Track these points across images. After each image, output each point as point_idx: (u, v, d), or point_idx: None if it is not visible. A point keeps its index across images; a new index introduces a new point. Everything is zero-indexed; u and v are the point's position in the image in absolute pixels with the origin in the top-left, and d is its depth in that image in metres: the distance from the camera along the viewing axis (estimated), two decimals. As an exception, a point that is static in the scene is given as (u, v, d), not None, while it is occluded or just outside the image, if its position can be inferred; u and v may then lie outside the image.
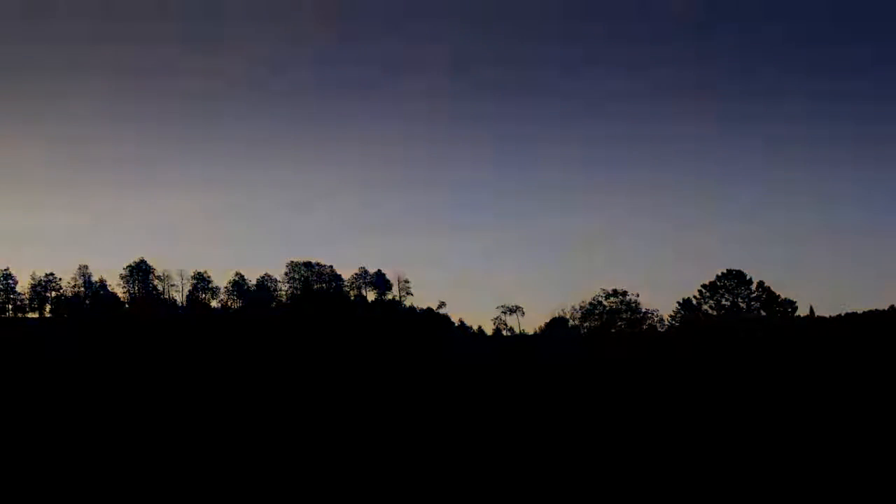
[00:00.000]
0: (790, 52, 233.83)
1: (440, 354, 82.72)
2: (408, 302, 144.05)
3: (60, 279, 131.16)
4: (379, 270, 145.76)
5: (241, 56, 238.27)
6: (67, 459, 16.17)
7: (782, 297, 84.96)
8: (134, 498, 12.32)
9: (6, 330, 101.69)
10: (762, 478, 12.60)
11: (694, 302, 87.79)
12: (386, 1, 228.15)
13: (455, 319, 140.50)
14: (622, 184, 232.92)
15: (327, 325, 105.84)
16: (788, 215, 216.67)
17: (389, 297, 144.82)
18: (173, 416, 25.74)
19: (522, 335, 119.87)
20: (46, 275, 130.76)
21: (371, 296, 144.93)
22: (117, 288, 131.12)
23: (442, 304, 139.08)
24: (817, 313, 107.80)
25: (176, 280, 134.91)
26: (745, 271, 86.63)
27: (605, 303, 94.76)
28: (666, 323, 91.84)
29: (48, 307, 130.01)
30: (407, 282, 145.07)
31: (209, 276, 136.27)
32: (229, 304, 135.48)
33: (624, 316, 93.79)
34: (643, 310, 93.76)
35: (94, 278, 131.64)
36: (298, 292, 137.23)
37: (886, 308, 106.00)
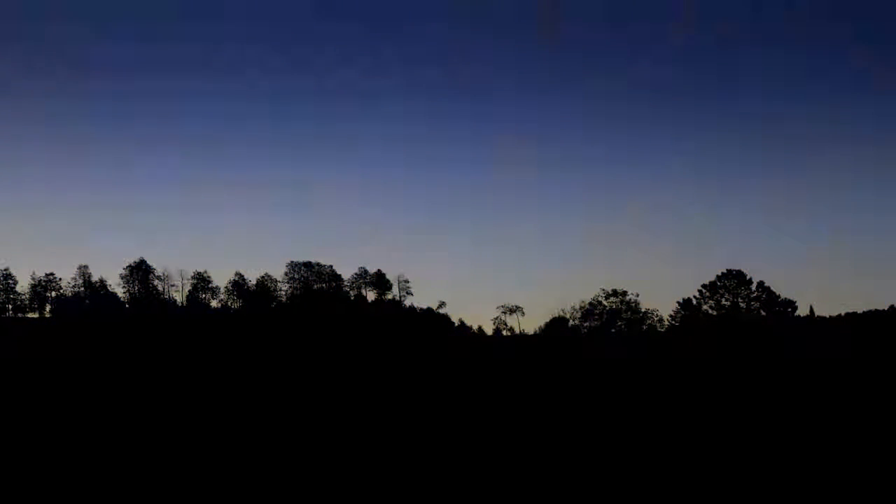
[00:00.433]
0: (790, 53, 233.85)
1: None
2: (408, 302, 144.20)
3: (60, 279, 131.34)
4: (379, 270, 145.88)
5: (240, 55, 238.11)
6: (71, 458, 16.19)
7: (782, 297, 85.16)
8: (136, 497, 12.33)
9: (8, 329, 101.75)
10: (763, 478, 12.61)
11: (694, 302, 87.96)
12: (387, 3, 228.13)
13: (455, 319, 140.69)
14: (622, 184, 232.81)
15: (327, 326, 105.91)
16: (788, 215, 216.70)
17: (389, 297, 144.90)
18: (175, 416, 25.75)
19: (522, 335, 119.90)
20: (46, 275, 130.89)
21: (371, 296, 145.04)
22: (117, 288, 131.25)
23: (442, 304, 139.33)
24: (817, 313, 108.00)
25: (176, 280, 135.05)
26: (745, 271, 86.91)
27: (605, 303, 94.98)
28: (666, 323, 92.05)
29: (48, 307, 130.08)
30: (407, 282, 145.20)
31: (209, 276, 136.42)
32: (229, 304, 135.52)
33: (624, 316, 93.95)
34: (643, 310, 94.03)
35: (94, 278, 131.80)
36: (298, 292, 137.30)
37: (886, 308, 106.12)
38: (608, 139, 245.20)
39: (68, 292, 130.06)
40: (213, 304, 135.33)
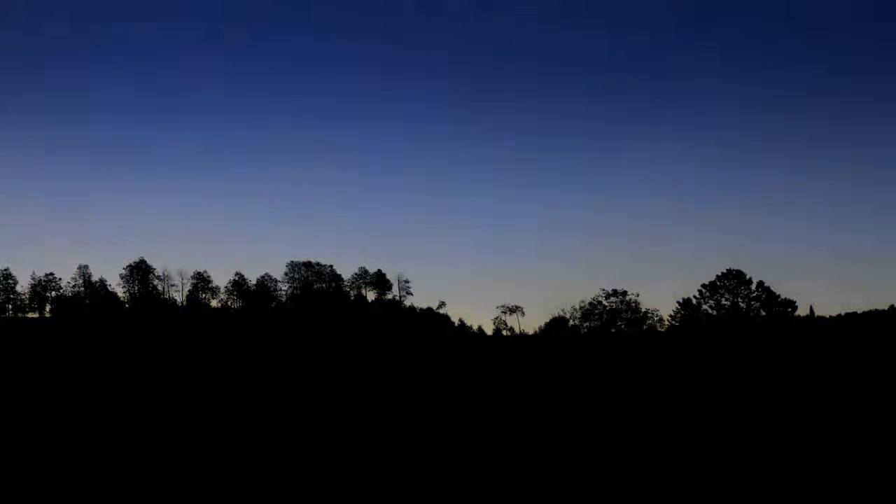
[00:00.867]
0: (789, 52, 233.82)
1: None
2: (408, 302, 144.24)
3: (60, 279, 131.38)
4: (379, 270, 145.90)
5: (241, 55, 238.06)
6: (72, 458, 16.19)
7: (782, 297, 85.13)
8: (137, 497, 12.34)
9: (9, 329, 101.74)
10: (763, 478, 12.62)
11: (694, 302, 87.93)
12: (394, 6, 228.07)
13: (455, 319, 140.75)
14: (622, 183, 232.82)
15: (327, 326, 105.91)
16: (788, 215, 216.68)
17: (389, 297, 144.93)
18: (175, 416, 25.75)
19: (522, 334, 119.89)
20: (46, 275, 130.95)
21: (371, 296, 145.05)
22: (117, 288, 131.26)
23: (442, 304, 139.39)
24: (817, 313, 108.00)
25: (176, 280, 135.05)
26: (745, 271, 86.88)
27: (605, 303, 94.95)
28: (666, 323, 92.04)
29: (48, 307, 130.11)
30: (407, 282, 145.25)
31: (209, 276, 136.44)
32: (229, 304, 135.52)
33: (624, 316, 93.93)
34: (643, 310, 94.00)
35: (94, 278, 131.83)
36: (298, 292, 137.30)
37: (886, 308, 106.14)
38: (608, 139, 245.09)
39: (68, 292, 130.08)
40: (213, 304, 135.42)
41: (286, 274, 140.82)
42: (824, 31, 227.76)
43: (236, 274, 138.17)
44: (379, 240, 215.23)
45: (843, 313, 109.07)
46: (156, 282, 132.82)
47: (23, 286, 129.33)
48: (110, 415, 26.33)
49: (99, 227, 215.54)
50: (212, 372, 57.58)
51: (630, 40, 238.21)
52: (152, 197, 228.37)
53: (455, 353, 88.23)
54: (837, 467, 13.39)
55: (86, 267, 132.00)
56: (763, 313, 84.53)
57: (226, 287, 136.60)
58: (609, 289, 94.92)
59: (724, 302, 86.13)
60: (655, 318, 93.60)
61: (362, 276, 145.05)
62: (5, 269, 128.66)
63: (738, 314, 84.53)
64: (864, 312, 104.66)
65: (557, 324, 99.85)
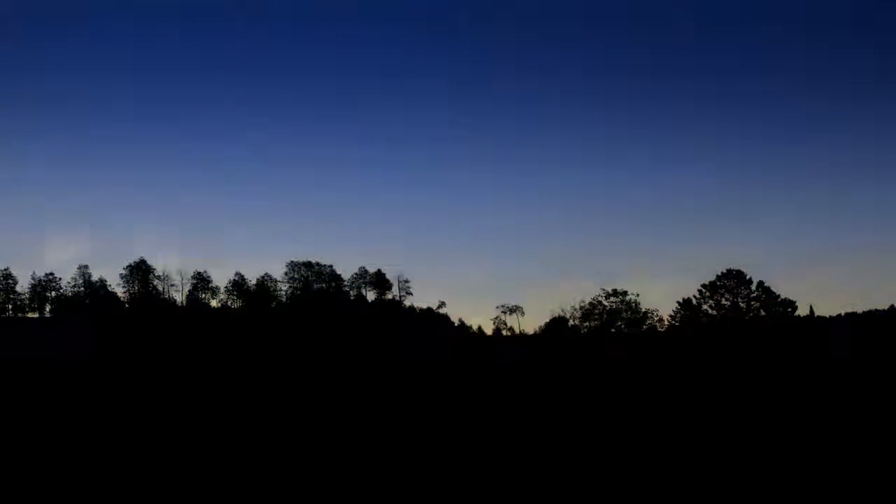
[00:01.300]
0: (789, 52, 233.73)
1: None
2: (408, 302, 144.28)
3: (60, 279, 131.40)
4: (379, 270, 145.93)
5: (241, 55, 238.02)
6: (72, 458, 16.21)
7: (782, 297, 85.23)
8: (137, 497, 12.34)
9: (9, 329, 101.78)
10: (764, 478, 12.63)
11: (694, 302, 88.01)
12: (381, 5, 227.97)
13: (455, 319, 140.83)
14: (623, 183, 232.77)
15: (327, 326, 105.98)
16: (788, 215, 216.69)
17: (389, 297, 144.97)
18: (175, 416, 25.77)
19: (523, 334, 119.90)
20: (46, 275, 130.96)
21: (371, 296, 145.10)
22: (117, 288, 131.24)
23: (442, 304, 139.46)
24: (817, 313, 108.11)
25: (176, 280, 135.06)
26: (745, 271, 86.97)
27: (604, 303, 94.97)
28: (666, 323, 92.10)
29: (48, 307, 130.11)
30: (407, 282, 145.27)
31: (209, 276, 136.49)
32: (229, 303, 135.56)
33: (624, 316, 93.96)
34: (643, 310, 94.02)
35: (94, 278, 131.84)
36: (298, 292, 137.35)
37: (886, 308, 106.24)
38: (608, 138, 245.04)
39: (68, 292, 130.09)
40: (213, 303, 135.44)
41: (286, 274, 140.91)
42: (824, 32, 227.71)
43: (236, 274, 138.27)
44: (379, 240, 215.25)
45: (843, 313, 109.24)
46: (156, 282, 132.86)
47: (23, 286, 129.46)
48: (110, 415, 26.35)
49: (99, 226, 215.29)
50: (212, 372, 57.61)
51: (630, 40, 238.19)
52: (153, 197, 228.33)
53: (455, 353, 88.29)
54: (838, 467, 13.41)
55: (86, 267, 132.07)
56: (763, 313, 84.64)
57: (226, 287, 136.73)
58: (609, 289, 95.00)
59: (724, 302, 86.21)
60: (655, 318, 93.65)
61: (362, 276, 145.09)
62: (5, 269, 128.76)
63: (738, 314, 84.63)
64: (864, 312, 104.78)
65: (557, 324, 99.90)
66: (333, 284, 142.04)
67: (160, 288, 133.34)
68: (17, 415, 26.78)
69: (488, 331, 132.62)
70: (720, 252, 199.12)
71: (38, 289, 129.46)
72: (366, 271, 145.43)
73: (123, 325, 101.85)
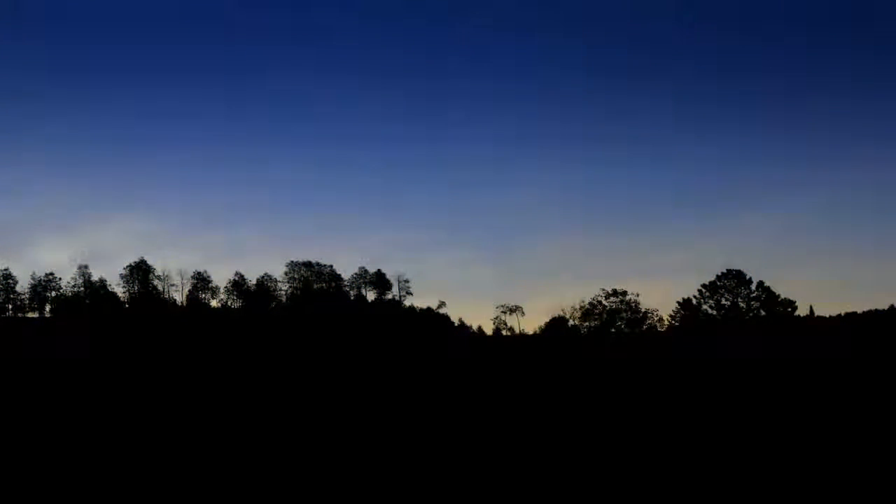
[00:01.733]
0: (789, 52, 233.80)
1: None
2: (408, 302, 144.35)
3: (60, 279, 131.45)
4: (379, 270, 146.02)
5: (242, 55, 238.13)
6: (71, 458, 16.20)
7: (782, 297, 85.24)
8: (136, 497, 12.34)
9: (9, 329, 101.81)
10: (764, 479, 12.62)
11: (694, 302, 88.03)
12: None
13: (455, 319, 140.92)
14: (622, 183, 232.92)
15: (327, 326, 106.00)
16: (788, 215, 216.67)
17: (389, 297, 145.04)
18: (175, 416, 25.76)
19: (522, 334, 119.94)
20: (46, 275, 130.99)
21: (371, 296, 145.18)
22: (117, 288, 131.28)
23: (442, 304, 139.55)
24: (817, 313, 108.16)
25: (176, 280, 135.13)
26: (745, 271, 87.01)
27: (604, 303, 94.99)
28: (666, 323, 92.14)
29: (48, 307, 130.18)
30: (407, 282, 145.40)
31: (209, 276, 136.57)
32: (229, 304, 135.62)
33: (624, 316, 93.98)
34: (643, 310, 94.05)
35: (94, 278, 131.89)
36: (298, 292, 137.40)
37: (886, 308, 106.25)
38: (608, 137, 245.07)
39: (68, 292, 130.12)
40: (213, 304, 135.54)
41: (286, 274, 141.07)
42: (825, 32, 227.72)
43: (236, 274, 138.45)
44: (379, 240, 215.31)
45: (843, 313, 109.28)
46: (156, 282, 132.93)
47: (23, 286, 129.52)
48: (110, 415, 26.34)
49: (99, 226, 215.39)
50: (212, 372, 57.61)
51: (630, 39, 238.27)
52: (153, 196, 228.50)
53: (455, 353, 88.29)
54: (838, 467, 13.40)
55: (86, 267, 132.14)
56: (763, 313, 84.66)
57: (226, 287, 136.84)
58: (609, 289, 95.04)
59: (724, 302, 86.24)
60: (655, 318, 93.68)
61: (362, 276, 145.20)
62: (5, 269, 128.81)
63: (738, 314, 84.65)
64: (864, 312, 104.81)
65: (557, 324, 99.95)
66: (333, 284, 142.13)
67: (160, 288, 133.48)
68: (18, 415, 26.78)
69: (488, 331, 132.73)
70: (720, 252, 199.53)
71: (38, 289, 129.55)
72: (366, 271, 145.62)
73: (123, 325, 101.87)
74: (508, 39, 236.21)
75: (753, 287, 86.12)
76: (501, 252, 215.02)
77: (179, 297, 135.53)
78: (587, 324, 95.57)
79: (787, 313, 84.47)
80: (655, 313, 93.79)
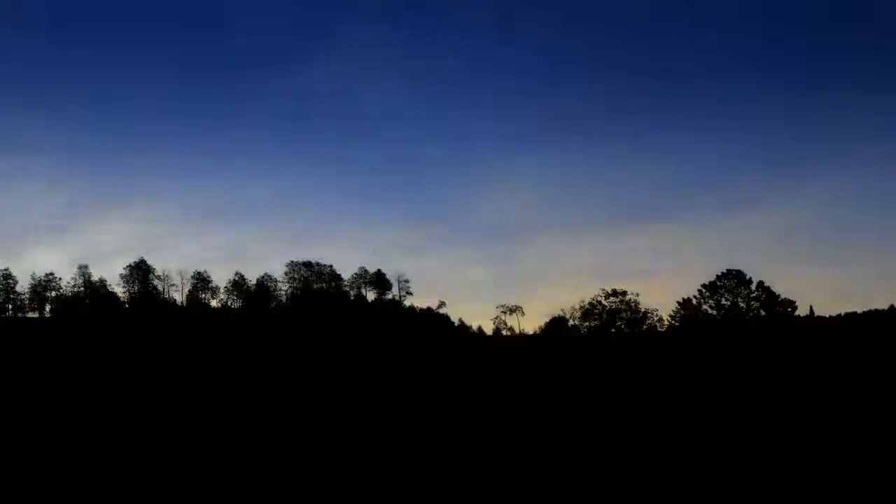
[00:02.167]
0: (789, 52, 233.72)
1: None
2: (408, 302, 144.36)
3: (60, 279, 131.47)
4: (379, 270, 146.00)
5: (240, 55, 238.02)
6: (71, 458, 16.20)
7: (782, 297, 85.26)
8: (136, 497, 12.34)
9: (9, 329, 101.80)
10: (765, 479, 12.62)
11: (694, 302, 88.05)
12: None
13: (455, 319, 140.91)
14: (622, 183, 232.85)
15: (327, 326, 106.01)
16: (788, 215, 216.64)
17: (389, 296, 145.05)
18: (175, 416, 25.76)
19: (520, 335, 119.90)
20: (46, 275, 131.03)
21: (371, 296, 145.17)
22: (117, 288, 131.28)
23: (442, 304, 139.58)
24: (817, 313, 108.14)
25: (176, 280, 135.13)
26: (745, 271, 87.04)
27: (604, 303, 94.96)
28: (666, 323, 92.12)
29: (48, 307, 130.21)
30: (407, 282, 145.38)
31: (209, 276, 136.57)
32: (229, 304, 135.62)
33: (624, 316, 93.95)
34: (643, 310, 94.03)
35: (94, 278, 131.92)
36: (298, 292, 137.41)
37: (886, 308, 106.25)
38: (608, 137, 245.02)
39: (68, 292, 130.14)
40: (213, 304, 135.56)
41: (286, 274, 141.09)
42: (825, 32, 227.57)
43: (236, 274, 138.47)
44: (379, 240, 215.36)
45: (843, 313, 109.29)
46: (156, 282, 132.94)
47: (23, 286, 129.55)
48: (110, 415, 26.34)
49: (99, 226, 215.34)
50: (212, 372, 57.61)
51: (630, 38, 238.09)
52: (153, 196, 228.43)
53: (455, 353, 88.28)
54: (839, 468, 13.39)
55: (86, 267, 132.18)
56: (763, 313, 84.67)
57: (226, 287, 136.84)
58: (609, 289, 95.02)
59: (724, 302, 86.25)
60: (655, 318, 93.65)
61: (362, 276, 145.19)
62: (5, 269, 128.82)
63: (738, 314, 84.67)
64: (864, 312, 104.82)
65: (557, 324, 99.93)
66: (333, 284, 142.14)
67: (160, 288, 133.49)
68: (18, 415, 26.78)
69: (488, 331, 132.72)
70: (720, 252, 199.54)
71: (38, 289, 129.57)
72: (366, 271, 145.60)
73: (123, 325, 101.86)
74: (508, 38, 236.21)
75: (753, 287, 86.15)
76: (501, 252, 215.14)
77: (179, 297, 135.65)
78: (587, 324, 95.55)
79: (787, 313, 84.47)
80: (655, 313, 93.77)
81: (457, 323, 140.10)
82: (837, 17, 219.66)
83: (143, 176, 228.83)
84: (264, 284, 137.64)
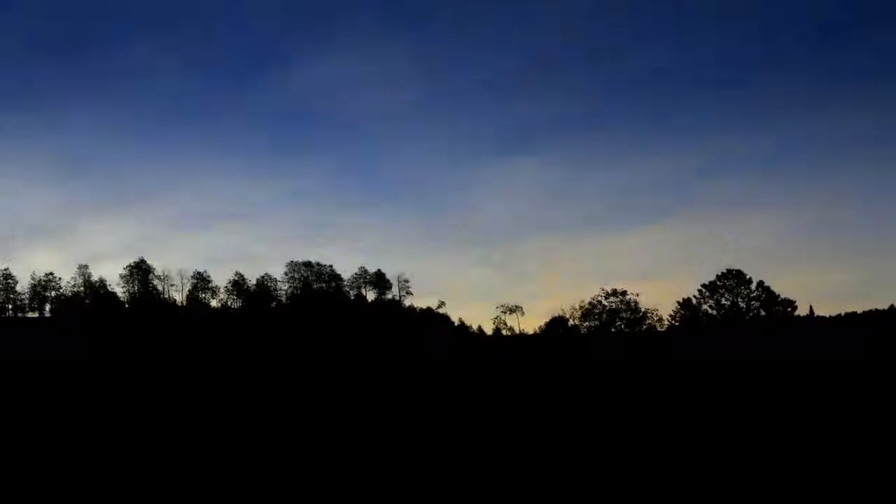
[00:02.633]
0: (788, 51, 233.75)
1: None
2: (407, 302, 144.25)
3: (60, 279, 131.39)
4: (379, 270, 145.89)
5: (239, 53, 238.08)
6: (71, 459, 16.20)
7: (782, 297, 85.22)
8: (136, 497, 12.34)
9: (9, 329, 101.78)
10: (765, 479, 12.62)
11: (694, 302, 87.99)
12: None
13: (455, 319, 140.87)
14: (621, 182, 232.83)
15: (327, 326, 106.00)
16: (788, 214, 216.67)
17: (389, 296, 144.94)
18: (175, 416, 25.76)
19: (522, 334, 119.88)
20: (46, 275, 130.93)
21: (371, 296, 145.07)
22: (117, 288, 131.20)
23: (442, 304, 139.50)
24: (817, 313, 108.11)
25: (176, 280, 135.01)
26: (745, 271, 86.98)
27: (604, 302, 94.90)
28: (666, 323, 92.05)
29: (48, 307, 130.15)
30: (407, 281, 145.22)
31: (209, 276, 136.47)
32: (229, 304, 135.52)
33: (624, 316, 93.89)
34: (643, 310, 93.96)
35: (94, 278, 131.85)
36: (298, 292, 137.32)
37: (886, 308, 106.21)
38: (608, 136, 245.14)
39: (68, 292, 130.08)
40: (213, 304, 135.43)
41: (286, 274, 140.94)
42: (827, 32, 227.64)
43: (236, 274, 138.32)
44: (379, 240, 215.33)
45: (842, 313, 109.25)
46: (156, 282, 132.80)
47: (23, 286, 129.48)
48: (111, 415, 26.34)
49: (99, 225, 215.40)
50: (211, 372, 57.60)
51: (630, 37, 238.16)
52: (153, 195, 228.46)
53: (455, 353, 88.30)
54: (840, 468, 13.40)
55: (86, 267, 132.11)
56: (763, 313, 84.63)
57: (226, 287, 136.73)
58: (609, 289, 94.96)
59: (724, 302, 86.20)
60: (655, 318, 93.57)
61: (362, 276, 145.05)
62: (5, 269, 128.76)
63: (738, 314, 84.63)
64: (863, 312, 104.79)
65: (557, 324, 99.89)
66: (333, 284, 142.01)
67: (160, 288, 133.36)
68: (18, 415, 26.78)
69: (488, 331, 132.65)
70: (720, 252, 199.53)
71: (38, 289, 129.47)
72: (366, 271, 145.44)
73: (123, 325, 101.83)
74: (509, 39, 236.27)
75: (753, 287, 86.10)
76: (501, 252, 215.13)
77: (179, 297, 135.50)
78: (587, 324, 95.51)
79: (787, 313, 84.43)
80: (655, 313, 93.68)
81: (457, 323, 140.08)
82: (838, 16, 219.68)
83: (143, 176, 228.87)
84: (264, 284, 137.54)
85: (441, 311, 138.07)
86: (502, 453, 15.70)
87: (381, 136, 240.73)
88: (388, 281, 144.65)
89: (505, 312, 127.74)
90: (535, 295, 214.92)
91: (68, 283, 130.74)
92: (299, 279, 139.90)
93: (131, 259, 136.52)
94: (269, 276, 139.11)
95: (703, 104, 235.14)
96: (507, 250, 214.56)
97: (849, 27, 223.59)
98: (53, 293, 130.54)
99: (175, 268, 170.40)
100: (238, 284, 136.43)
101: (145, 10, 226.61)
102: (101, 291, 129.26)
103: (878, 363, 49.52)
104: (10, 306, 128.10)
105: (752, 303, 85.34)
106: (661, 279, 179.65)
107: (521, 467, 14.08)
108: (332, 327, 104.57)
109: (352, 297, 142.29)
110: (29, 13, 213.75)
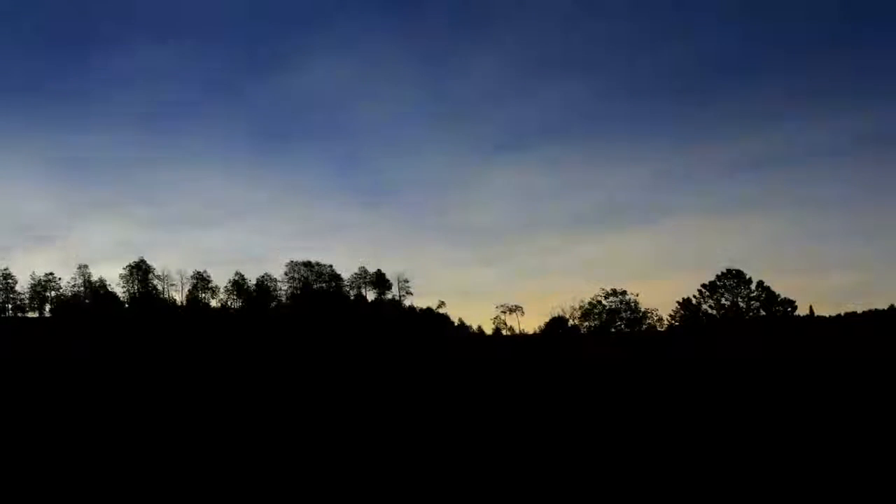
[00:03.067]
0: (788, 51, 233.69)
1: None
2: (407, 302, 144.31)
3: (60, 279, 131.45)
4: (379, 270, 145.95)
5: (239, 53, 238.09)
6: (71, 459, 16.20)
7: (782, 297, 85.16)
8: (136, 497, 12.34)
9: (9, 329, 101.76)
10: (765, 480, 12.62)
11: (694, 302, 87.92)
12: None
13: (455, 319, 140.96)
14: (621, 182, 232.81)
15: (327, 326, 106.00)
16: (788, 214, 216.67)
17: (389, 296, 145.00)
18: (175, 416, 25.76)
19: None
20: (46, 275, 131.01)
21: (371, 296, 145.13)
22: (117, 288, 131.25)
23: (442, 304, 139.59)
24: (817, 313, 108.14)
25: (176, 280, 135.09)
26: (745, 271, 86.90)
27: (604, 302, 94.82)
28: (666, 323, 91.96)
29: (48, 307, 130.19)
30: (407, 282, 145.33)
31: (209, 276, 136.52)
32: (229, 304, 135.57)
33: (623, 316, 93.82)
34: (643, 310, 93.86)
35: (94, 278, 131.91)
36: (298, 292, 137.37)
37: (886, 308, 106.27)
38: (608, 136, 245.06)
39: (68, 292, 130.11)
40: (213, 304, 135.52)
41: (286, 274, 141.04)
42: (827, 31, 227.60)
43: (236, 274, 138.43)
44: (379, 240, 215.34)
45: (842, 313, 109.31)
46: (155, 282, 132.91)
47: (23, 286, 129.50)
48: (110, 415, 26.34)
49: (99, 226, 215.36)
50: (211, 372, 57.60)
51: (630, 37, 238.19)
52: (153, 195, 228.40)
53: (455, 353, 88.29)
54: (839, 468, 13.40)
55: (86, 267, 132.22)
56: (763, 313, 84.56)
57: (226, 287, 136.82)
58: (609, 289, 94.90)
59: (724, 302, 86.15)
60: (655, 318, 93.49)
61: (362, 276, 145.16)
62: (5, 269, 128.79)
63: (738, 314, 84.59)
64: (863, 312, 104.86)
65: (557, 324, 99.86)
66: (333, 284, 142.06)
67: (160, 288, 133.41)
68: (18, 415, 26.78)
69: (488, 331, 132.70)
70: (720, 252, 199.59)
71: (38, 289, 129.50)
72: (366, 271, 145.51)
73: (123, 325, 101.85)
74: (508, 39, 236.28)
75: (753, 287, 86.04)
76: (501, 252, 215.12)
77: (179, 297, 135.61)
78: (587, 324, 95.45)
79: (787, 313, 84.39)
80: (655, 313, 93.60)
81: (457, 323, 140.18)
82: (838, 16, 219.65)
83: (143, 176, 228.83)
84: (264, 284, 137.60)
85: (441, 311, 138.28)
86: (502, 453, 15.71)
87: (381, 136, 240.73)
88: (388, 281, 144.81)
89: (505, 312, 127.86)
90: (535, 295, 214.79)
91: (68, 283, 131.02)
92: (299, 279, 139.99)
93: (131, 259, 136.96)
94: (269, 276, 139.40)
95: (703, 104, 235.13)
96: (507, 250, 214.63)
97: (849, 27, 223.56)
98: (53, 293, 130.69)
99: (175, 268, 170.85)
100: (238, 284, 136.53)
101: (145, 10, 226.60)
102: (101, 291, 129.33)
103: (877, 363, 49.51)
104: (10, 306, 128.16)
105: (752, 303, 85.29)
106: (661, 279, 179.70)
107: (521, 467, 14.09)
108: (332, 327, 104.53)
109: (352, 297, 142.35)
110: (29, 13, 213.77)
